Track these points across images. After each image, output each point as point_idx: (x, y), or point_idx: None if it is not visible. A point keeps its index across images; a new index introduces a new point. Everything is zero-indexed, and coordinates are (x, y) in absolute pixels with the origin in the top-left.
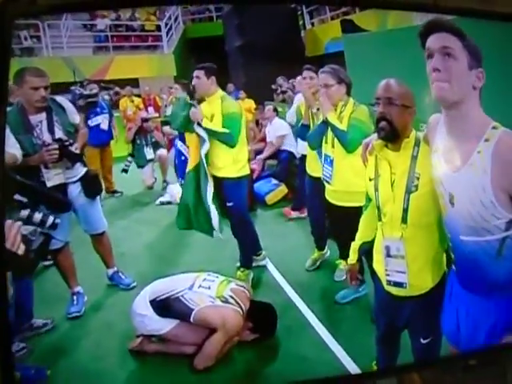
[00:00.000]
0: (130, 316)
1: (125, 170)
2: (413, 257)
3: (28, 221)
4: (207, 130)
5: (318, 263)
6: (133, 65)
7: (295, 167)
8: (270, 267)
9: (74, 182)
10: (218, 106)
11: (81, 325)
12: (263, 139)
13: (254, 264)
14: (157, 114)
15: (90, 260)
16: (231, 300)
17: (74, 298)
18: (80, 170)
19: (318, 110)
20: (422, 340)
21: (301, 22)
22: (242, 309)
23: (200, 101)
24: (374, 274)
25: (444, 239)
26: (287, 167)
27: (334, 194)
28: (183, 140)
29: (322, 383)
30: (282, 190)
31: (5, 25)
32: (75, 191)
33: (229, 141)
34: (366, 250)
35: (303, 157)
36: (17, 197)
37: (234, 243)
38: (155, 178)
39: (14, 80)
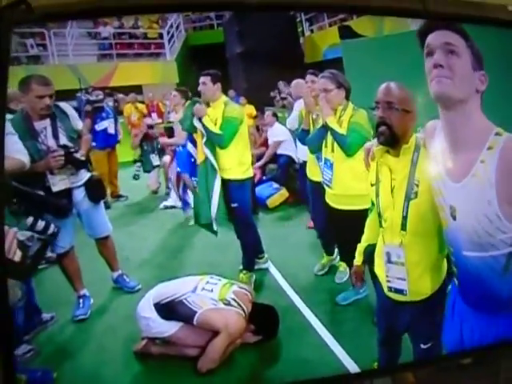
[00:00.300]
0: (135, 319)
1: (136, 176)
2: (413, 264)
3: (32, 228)
4: (204, 127)
5: (326, 268)
6: (136, 72)
7: (295, 171)
8: (272, 270)
9: (79, 187)
10: (221, 110)
11: (86, 327)
12: (264, 144)
13: (256, 267)
14: (160, 120)
15: (96, 263)
16: (233, 303)
17: (80, 301)
18: (84, 176)
19: (317, 115)
20: (422, 345)
21: (300, 29)
22: (244, 311)
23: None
24: (374, 277)
25: (444, 246)
26: (287, 171)
27: (334, 198)
28: (193, 142)
29: (319, 383)
30: (283, 193)
31: (2, 32)
32: (80, 196)
33: (218, 142)
34: (370, 253)
35: (304, 162)
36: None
37: (236, 247)
38: (160, 182)
39: (19, 87)
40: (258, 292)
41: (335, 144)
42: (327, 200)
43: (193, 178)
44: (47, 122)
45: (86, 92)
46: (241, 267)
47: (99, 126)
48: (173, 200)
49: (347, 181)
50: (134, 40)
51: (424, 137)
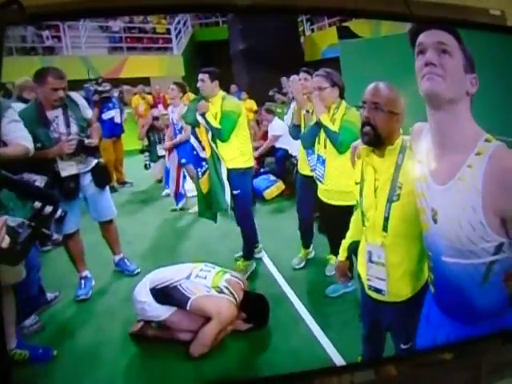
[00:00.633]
0: (132, 302)
1: (147, 166)
2: (393, 265)
3: (39, 212)
4: (206, 122)
5: (304, 262)
6: (145, 64)
7: (292, 165)
8: (265, 260)
9: (86, 173)
10: (219, 105)
11: (87, 308)
12: (263, 137)
13: None
14: (166, 112)
15: (98, 247)
16: (226, 290)
17: (82, 281)
18: (91, 162)
19: (307, 111)
20: (402, 345)
21: (301, 29)
22: (235, 299)
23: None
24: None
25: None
26: (283, 165)
27: (326, 193)
28: (196, 136)
29: (301, 376)
30: (279, 186)
31: None
32: (86, 181)
33: (219, 135)
34: (356, 249)
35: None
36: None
37: (234, 235)
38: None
39: (35, 78)
40: (251, 281)
41: (328, 141)
42: (319, 195)
43: (199, 170)
44: (59, 111)
45: (96, 83)
46: (239, 254)
47: (106, 116)
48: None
49: (338, 177)
50: (143, 34)
51: (410, 138)
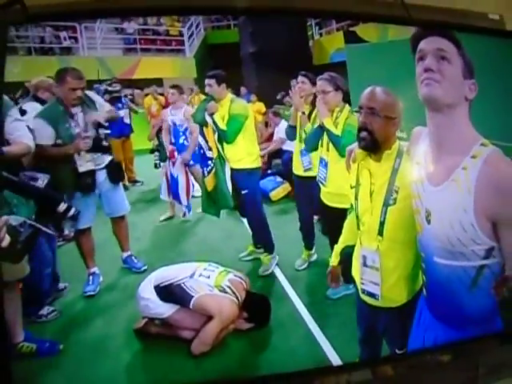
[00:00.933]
0: (136, 299)
1: (157, 165)
2: (388, 270)
3: (55, 209)
4: (213, 122)
5: (306, 264)
6: (158, 66)
7: None
8: None
9: (101, 170)
10: (227, 107)
11: (93, 304)
12: (269, 139)
13: (253, 256)
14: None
15: (106, 245)
16: (228, 290)
17: (90, 278)
18: (106, 159)
19: (303, 113)
20: (397, 350)
21: (310, 33)
22: (238, 299)
23: None
24: (348, 278)
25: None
26: (289, 166)
27: (328, 196)
28: (203, 135)
29: (298, 375)
30: (286, 187)
31: None
32: (101, 178)
33: (224, 137)
34: (349, 254)
35: None
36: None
37: (238, 236)
38: None
39: (55, 78)
40: (254, 280)
41: (330, 144)
42: (322, 197)
43: (205, 168)
44: (78, 108)
45: (109, 84)
46: (244, 254)
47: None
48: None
49: (340, 180)
50: (157, 36)
51: (409, 142)
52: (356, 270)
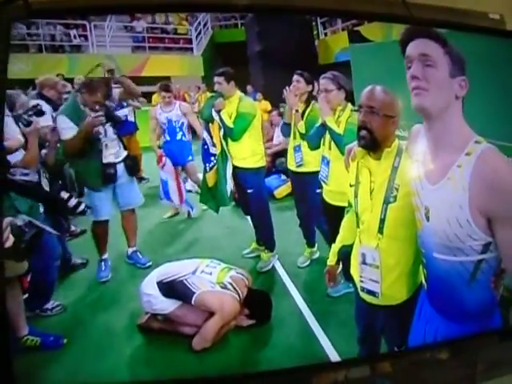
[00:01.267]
0: (139, 295)
1: None
2: (388, 268)
3: (65, 203)
4: (220, 119)
5: (308, 261)
6: (166, 64)
7: None
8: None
9: (119, 163)
10: (235, 105)
11: (97, 299)
12: (271, 139)
13: (256, 254)
14: None
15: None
16: (230, 286)
17: (102, 264)
18: (123, 153)
19: (296, 111)
20: (396, 348)
21: (315, 32)
22: (239, 295)
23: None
24: (348, 277)
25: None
26: None
27: (330, 194)
28: (208, 131)
29: (296, 371)
30: (290, 185)
31: (2, 26)
32: (120, 170)
33: (230, 135)
34: (347, 253)
35: None
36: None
37: (242, 232)
38: None
39: (86, 86)
40: (256, 277)
41: (332, 143)
42: (323, 196)
43: (207, 164)
44: None
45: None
46: (247, 251)
47: (119, 113)
48: (189, 185)
49: (342, 178)
50: (165, 35)
51: (408, 141)
52: (355, 269)
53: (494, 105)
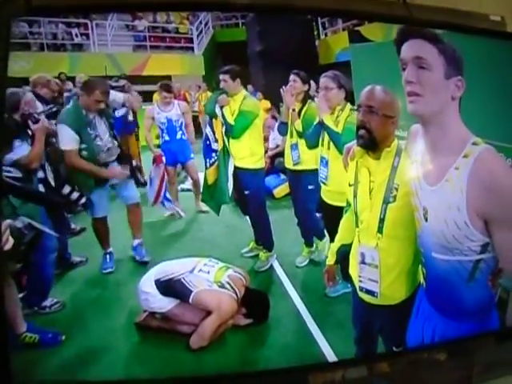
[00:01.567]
0: (137, 293)
1: None
2: (387, 267)
3: (67, 197)
4: (222, 115)
5: (306, 261)
6: (167, 63)
7: None
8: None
9: (113, 162)
10: (239, 103)
11: (97, 295)
12: (266, 139)
13: (255, 253)
14: None
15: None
16: (227, 286)
17: (107, 256)
18: (116, 151)
19: (294, 110)
20: (394, 348)
21: (316, 32)
22: (236, 294)
23: None
24: (347, 276)
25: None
26: None
27: (329, 194)
28: (211, 126)
29: (293, 371)
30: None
31: (2, 23)
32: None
33: (231, 132)
34: (346, 253)
35: None
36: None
37: (240, 231)
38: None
39: (84, 86)
40: (254, 276)
41: (331, 143)
42: (322, 196)
43: (207, 160)
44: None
45: (116, 80)
46: (245, 250)
47: (119, 112)
48: (189, 183)
49: (341, 178)
50: (167, 34)
51: (407, 141)
52: (353, 268)
53: (494, 107)
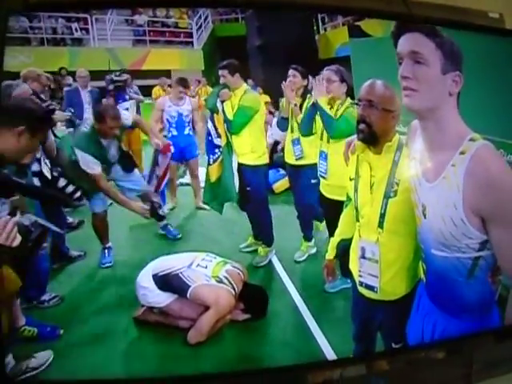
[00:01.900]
0: (135, 288)
1: None
2: (387, 262)
3: (62, 190)
4: (222, 110)
5: (305, 256)
6: (166, 57)
7: None
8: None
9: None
10: (239, 97)
11: (95, 291)
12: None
13: (253, 248)
14: None
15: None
16: (225, 280)
17: (106, 251)
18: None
19: (295, 105)
20: (393, 344)
21: (315, 27)
22: (234, 289)
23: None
24: (348, 272)
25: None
26: None
27: (328, 188)
28: (213, 121)
29: (292, 369)
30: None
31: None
32: (115, 168)
33: (229, 127)
34: (346, 247)
35: None
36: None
37: (239, 226)
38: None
39: (95, 116)
40: (253, 271)
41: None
42: (321, 190)
43: (211, 156)
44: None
45: (118, 74)
46: (244, 245)
47: (121, 107)
48: (188, 178)
49: (341, 172)
50: (166, 28)
51: (407, 136)
52: (354, 263)
53: (494, 103)
